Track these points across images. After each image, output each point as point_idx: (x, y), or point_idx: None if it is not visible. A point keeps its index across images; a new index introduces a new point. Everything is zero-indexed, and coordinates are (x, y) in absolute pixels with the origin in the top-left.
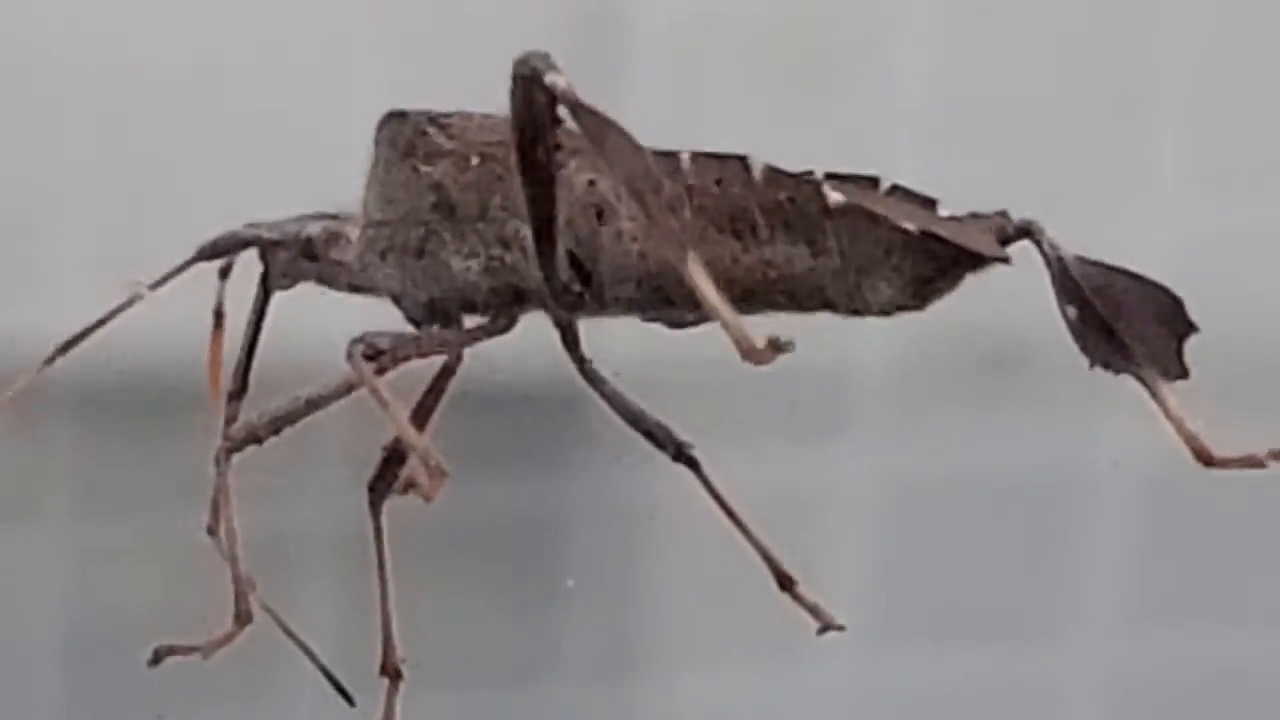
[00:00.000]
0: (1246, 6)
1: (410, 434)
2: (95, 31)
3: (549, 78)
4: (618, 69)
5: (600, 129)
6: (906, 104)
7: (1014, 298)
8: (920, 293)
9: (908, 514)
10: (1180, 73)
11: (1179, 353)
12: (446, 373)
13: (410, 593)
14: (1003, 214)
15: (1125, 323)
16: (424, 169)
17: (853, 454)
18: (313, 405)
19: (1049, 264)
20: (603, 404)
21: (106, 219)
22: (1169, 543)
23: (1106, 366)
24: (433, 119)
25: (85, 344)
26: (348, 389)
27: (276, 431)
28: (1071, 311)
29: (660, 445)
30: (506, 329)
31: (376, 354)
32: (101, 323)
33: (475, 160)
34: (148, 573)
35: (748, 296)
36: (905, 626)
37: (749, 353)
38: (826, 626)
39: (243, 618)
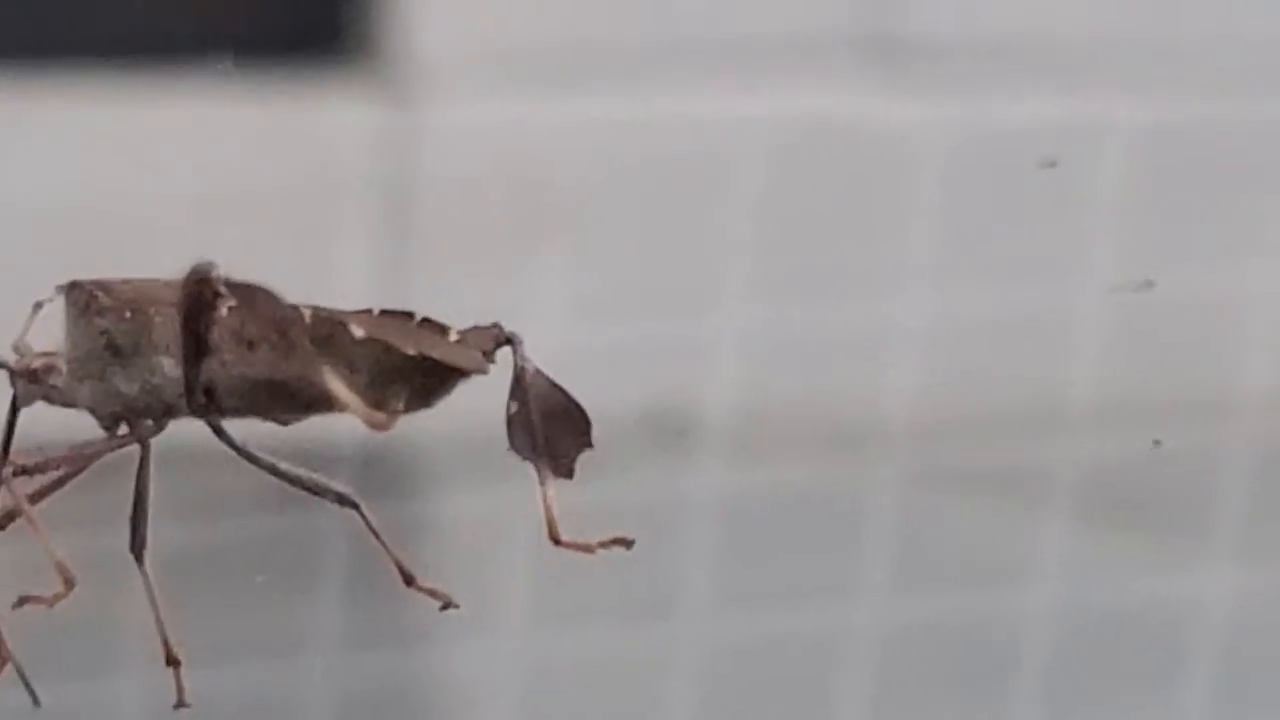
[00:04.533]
0: None
1: (48, 547)
2: None
3: (214, 272)
4: None
5: (249, 292)
6: None
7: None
8: (426, 398)
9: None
10: None
11: (573, 461)
12: (142, 481)
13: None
14: (497, 325)
15: (546, 426)
16: (95, 321)
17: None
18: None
19: (515, 368)
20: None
21: None
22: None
23: (519, 453)
24: (98, 284)
25: None
26: (99, 455)
27: (43, 470)
28: (512, 407)
29: (324, 495)
30: (155, 433)
31: (26, 471)
32: None
33: (128, 314)
34: None
35: (323, 403)
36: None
37: (375, 423)
38: (446, 605)
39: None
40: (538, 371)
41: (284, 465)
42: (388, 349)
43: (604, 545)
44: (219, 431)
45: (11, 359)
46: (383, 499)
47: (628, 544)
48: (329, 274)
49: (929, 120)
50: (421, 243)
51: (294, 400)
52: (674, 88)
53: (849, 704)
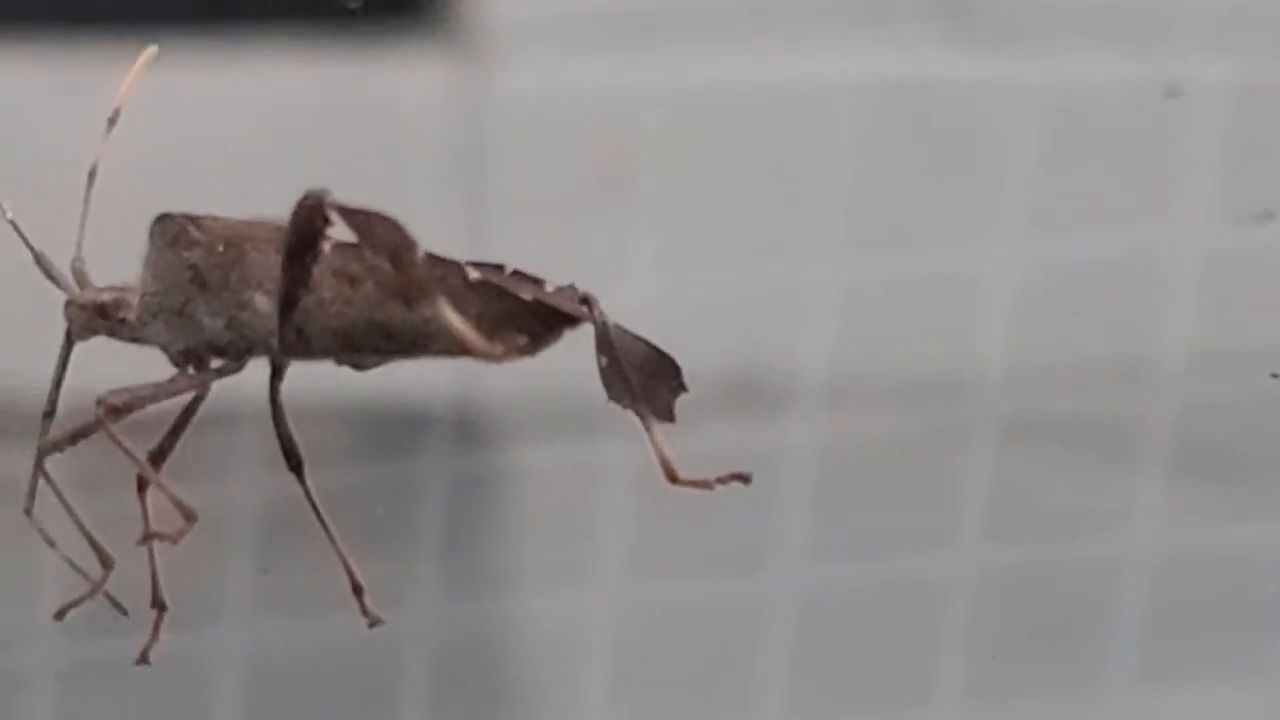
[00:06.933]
0: None
1: (161, 484)
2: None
3: (328, 198)
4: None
5: (366, 220)
6: None
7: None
8: (535, 344)
9: None
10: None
11: (671, 404)
12: (188, 414)
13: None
14: (572, 286)
15: (638, 375)
16: (184, 254)
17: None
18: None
19: (595, 325)
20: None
21: None
22: None
23: (619, 402)
24: (190, 218)
25: None
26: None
27: (75, 442)
28: (603, 360)
29: (286, 454)
30: (235, 371)
31: (118, 410)
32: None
33: (220, 248)
34: None
35: (422, 343)
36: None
37: (491, 354)
38: (373, 622)
39: (108, 563)
40: (618, 326)
41: (287, 421)
42: (500, 294)
43: (722, 481)
44: (277, 374)
45: (75, 293)
46: (477, 452)
47: (745, 479)
48: None
49: (1007, 78)
50: (497, 206)
51: (390, 341)
52: (747, 49)
53: (945, 653)
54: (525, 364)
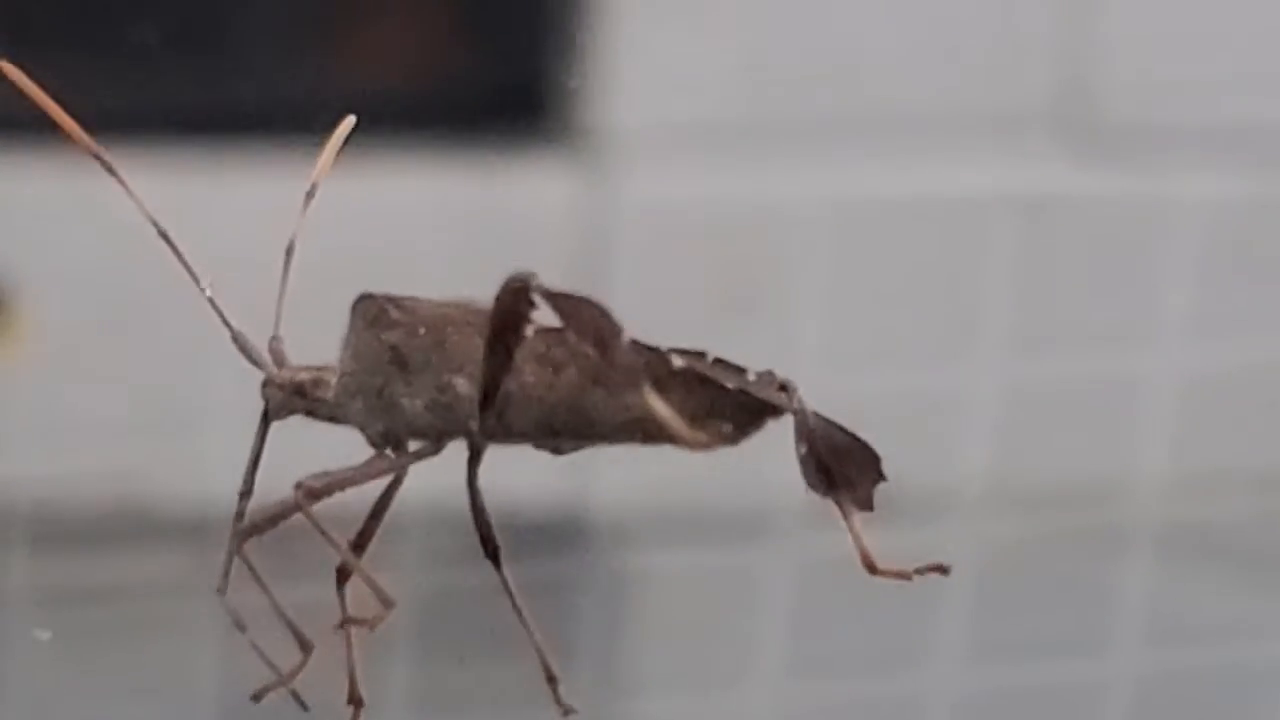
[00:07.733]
0: None
1: (361, 569)
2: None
3: (534, 281)
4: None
5: (571, 304)
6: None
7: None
8: (739, 433)
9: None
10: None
11: (870, 493)
12: (387, 498)
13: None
14: (770, 373)
15: (837, 464)
16: (384, 335)
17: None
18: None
19: (794, 413)
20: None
21: None
22: None
23: (817, 491)
24: (391, 299)
25: None
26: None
27: (274, 525)
28: (802, 449)
29: (483, 541)
30: (434, 454)
31: (316, 493)
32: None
33: (421, 330)
34: None
35: (624, 430)
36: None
37: (697, 443)
38: (567, 711)
39: (306, 647)
40: (817, 414)
41: (484, 506)
42: (704, 381)
43: (920, 572)
44: (475, 457)
45: (273, 372)
46: (628, 555)
47: (944, 570)
48: None
49: (1150, 193)
50: (622, 314)
51: (591, 427)
52: (875, 161)
53: None
54: (675, 469)
